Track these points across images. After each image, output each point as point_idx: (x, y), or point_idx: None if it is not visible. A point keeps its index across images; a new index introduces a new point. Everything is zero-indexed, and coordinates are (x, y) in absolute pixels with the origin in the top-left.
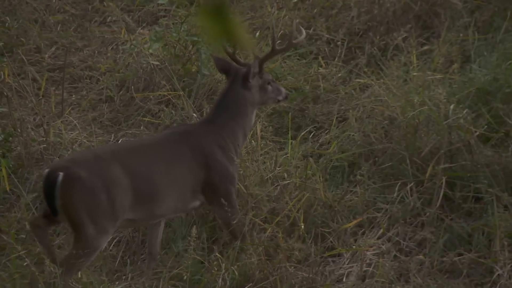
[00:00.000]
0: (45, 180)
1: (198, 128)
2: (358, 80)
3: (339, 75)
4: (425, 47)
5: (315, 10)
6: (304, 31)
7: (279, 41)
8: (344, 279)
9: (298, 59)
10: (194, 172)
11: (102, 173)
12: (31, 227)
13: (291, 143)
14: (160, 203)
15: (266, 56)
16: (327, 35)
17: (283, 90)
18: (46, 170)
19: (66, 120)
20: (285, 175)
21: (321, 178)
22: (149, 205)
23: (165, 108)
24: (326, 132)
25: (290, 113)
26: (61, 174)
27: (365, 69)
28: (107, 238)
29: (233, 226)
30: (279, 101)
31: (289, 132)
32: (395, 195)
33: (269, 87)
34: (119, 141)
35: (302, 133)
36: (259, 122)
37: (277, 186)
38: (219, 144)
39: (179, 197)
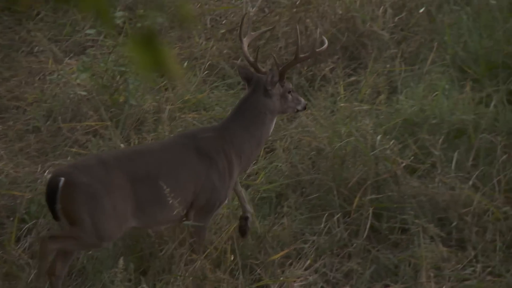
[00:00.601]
0: (47, 185)
1: (209, 131)
2: None
3: None
4: (352, 78)
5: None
6: (326, 41)
7: (207, 72)
8: None
9: (226, 89)
10: (199, 176)
11: (103, 179)
12: (48, 275)
13: None
14: (163, 208)
15: (288, 64)
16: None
17: (302, 100)
18: (49, 176)
19: None
20: None
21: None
22: (152, 211)
23: (92, 138)
24: (253, 162)
25: None
26: (62, 179)
27: None
28: (108, 244)
29: (199, 242)
30: (297, 110)
31: None
32: (322, 226)
33: (290, 96)
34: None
35: None
36: None
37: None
38: (225, 152)
39: (182, 203)
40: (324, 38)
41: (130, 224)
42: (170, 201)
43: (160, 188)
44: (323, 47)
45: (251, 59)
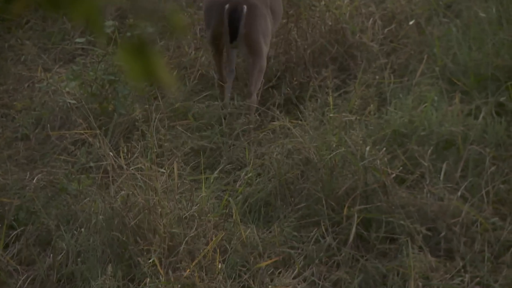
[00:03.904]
0: (231, 13)
1: None
2: (274, 123)
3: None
4: (342, 90)
5: None
6: None
7: (196, 81)
8: None
9: (215, 98)
10: None
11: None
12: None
13: (209, 180)
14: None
15: None
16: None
17: None
18: (227, 6)
19: None
20: (202, 214)
21: (237, 216)
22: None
23: (81, 146)
24: (242, 171)
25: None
26: (245, 6)
27: (281, 110)
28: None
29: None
30: None
31: (203, 171)
32: (311, 235)
33: None
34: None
35: (216, 173)
36: (176, 161)
37: (196, 226)
38: None
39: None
40: None
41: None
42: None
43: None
44: None
45: None
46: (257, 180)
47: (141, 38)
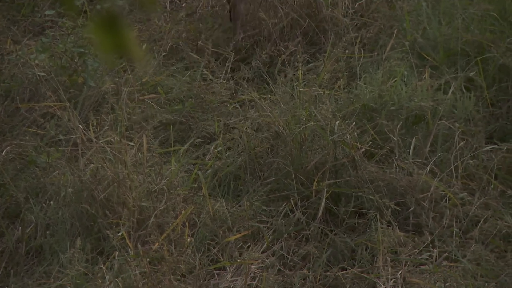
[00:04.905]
0: None
1: None
2: (242, 96)
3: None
4: (312, 64)
5: (200, 25)
6: None
7: (165, 54)
8: None
9: (184, 70)
10: None
11: None
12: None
13: (178, 153)
14: None
15: None
16: (213, 49)
17: None
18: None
19: None
20: (171, 187)
21: (206, 190)
22: None
23: (50, 119)
24: (211, 145)
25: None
26: None
27: (250, 84)
28: None
29: None
30: None
31: (173, 144)
32: (279, 209)
33: None
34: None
35: (185, 146)
36: (145, 135)
37: (165, 199)
38: None
39: None
40: None
41: None
42: None
43: None
44: None
45: None
46: (227, 154)
47: (111, 11)
